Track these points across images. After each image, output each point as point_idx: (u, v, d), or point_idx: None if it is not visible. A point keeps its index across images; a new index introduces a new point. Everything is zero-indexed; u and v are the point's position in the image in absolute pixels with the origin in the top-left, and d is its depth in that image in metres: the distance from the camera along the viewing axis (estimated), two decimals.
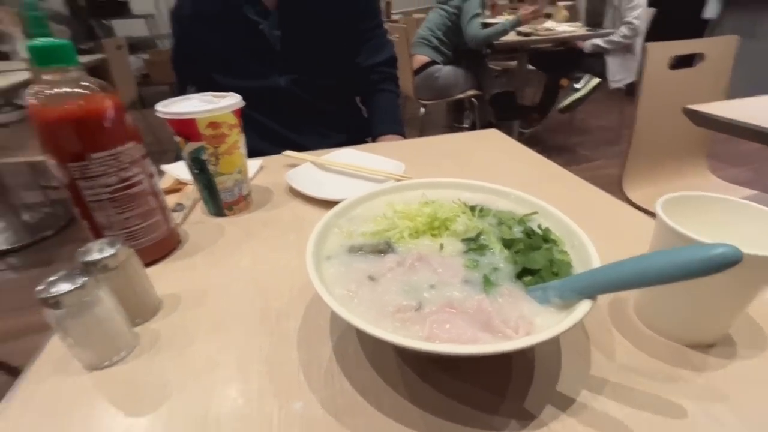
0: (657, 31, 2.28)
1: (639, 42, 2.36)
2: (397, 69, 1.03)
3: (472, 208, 0.38)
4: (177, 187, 0.63)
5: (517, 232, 0.35)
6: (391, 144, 0.87)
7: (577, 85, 2.47)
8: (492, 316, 0.26)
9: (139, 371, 0.33)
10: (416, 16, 2.95)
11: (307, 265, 0.30)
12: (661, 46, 1.03)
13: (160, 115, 0.49)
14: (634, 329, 0.34)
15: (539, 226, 0.35)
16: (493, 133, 0.88)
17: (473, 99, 2.43)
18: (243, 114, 0.51)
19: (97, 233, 0.42)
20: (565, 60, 2.57)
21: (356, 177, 0.65)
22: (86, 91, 0.38)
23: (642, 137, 1.11)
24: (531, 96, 2.95)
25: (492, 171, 0.69)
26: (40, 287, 0.30)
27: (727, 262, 0.20)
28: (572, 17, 2.80)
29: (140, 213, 0.43)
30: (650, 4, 2.37)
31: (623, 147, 1.14)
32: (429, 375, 0.31)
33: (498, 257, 0.32)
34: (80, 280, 0.31)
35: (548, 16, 2.78)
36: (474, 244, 0.33)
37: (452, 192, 0.42)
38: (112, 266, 0.35)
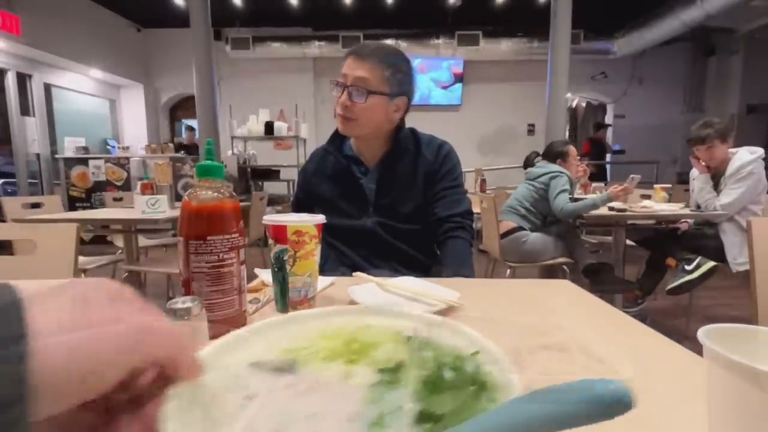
0: None
1: None
2: (471, 221, 1.13)
3: (409, 338, 0.32)
4: (259, 287, 0.74)
5: (446, 369, 0.28)
6: (455, 279, 0.90)
7: (688, 267, 2.23)
8: None
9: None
10: (508, 191, 3.24)
11: None
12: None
13: (264, 222, 0.64)
14: None
15: (476, 366, 0.28)
16: (565, 283, 0.85)
17: (564, 267, 2.37)
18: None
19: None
20: (670, 239, 2.44)
21: (411, 299, 0.69)
22: (221, 195, 0.55)
23: None
24: (635, 273, 2.74)
25: (556, 316, 0.66)
26: None
27: (618, 403, 0.17)
28: (676, 200, 2.77)
29: (222, 289, 0.53)
30: None
31: None
32: None
33: (410, 395, 0.26)
34: None
35: (647, 198, 2.80)
36: (388, 377, 0.28)
37: (404, 323, 0.35)
38: (184, 316, 0.43)
